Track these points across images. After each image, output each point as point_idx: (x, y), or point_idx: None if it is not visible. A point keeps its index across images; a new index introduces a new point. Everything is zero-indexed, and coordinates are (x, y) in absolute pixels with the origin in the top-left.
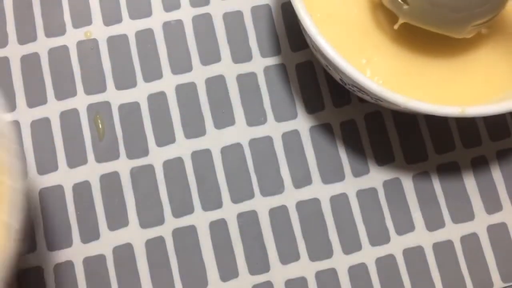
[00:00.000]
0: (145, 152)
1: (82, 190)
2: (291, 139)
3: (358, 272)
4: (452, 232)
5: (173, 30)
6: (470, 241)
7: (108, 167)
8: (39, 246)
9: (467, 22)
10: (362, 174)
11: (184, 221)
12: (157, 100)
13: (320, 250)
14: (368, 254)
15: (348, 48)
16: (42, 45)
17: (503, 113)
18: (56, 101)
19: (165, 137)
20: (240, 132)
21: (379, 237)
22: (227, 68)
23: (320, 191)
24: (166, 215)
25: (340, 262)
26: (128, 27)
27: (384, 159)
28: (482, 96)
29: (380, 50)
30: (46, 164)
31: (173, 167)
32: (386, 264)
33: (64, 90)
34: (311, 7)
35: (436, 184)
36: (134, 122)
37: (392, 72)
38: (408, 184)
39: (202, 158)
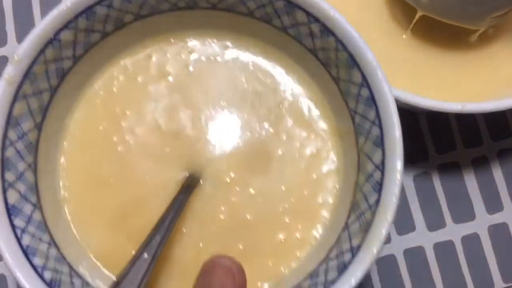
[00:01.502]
0: None
1: None
2: None
3: None
4: (453, 232)
5: None
6: (471, 241)
7: None
8: None
9: (486, 14)
10: None
11: None
12: None
13: None
14: None
15: None
16: None
17: (503, 110)
18: None
19: None
20: None
21: None
22: None
23: None
24: None
25: None
26: None
27: None
28: (484, 94)
29: (379, 44)
30: None
31: None
32: (387, 264)
33: None
34: None
35: (437, 184)
36: None
37: (392, 67)
38: (408, 184)
39: None
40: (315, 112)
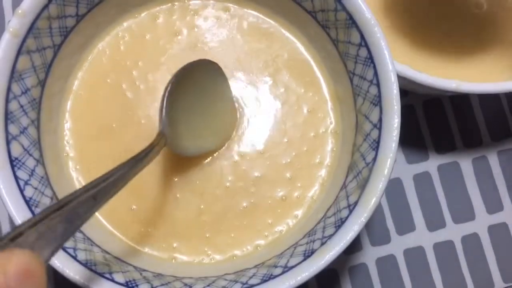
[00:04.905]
0: None
1: None
2: None
3: (357, 272)
4: (453, 232)
5: None
6: (471, 241)
7: None
8: None
9: None
10: None
11: None
12: None
13: None
14: (369, 254)
15: None
16: None
17: (498, 92)
18: None
19: None
20: None
21: (380, 237)
22: None
23: None
24: None
25: (341, 262)
26: None
27: None
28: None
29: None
30: None
31: None
32: (387, 264)
33: None
34: None
35: (437, 184)
36: None
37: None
38: (408, 183)
39: None
40: (314, 75)
